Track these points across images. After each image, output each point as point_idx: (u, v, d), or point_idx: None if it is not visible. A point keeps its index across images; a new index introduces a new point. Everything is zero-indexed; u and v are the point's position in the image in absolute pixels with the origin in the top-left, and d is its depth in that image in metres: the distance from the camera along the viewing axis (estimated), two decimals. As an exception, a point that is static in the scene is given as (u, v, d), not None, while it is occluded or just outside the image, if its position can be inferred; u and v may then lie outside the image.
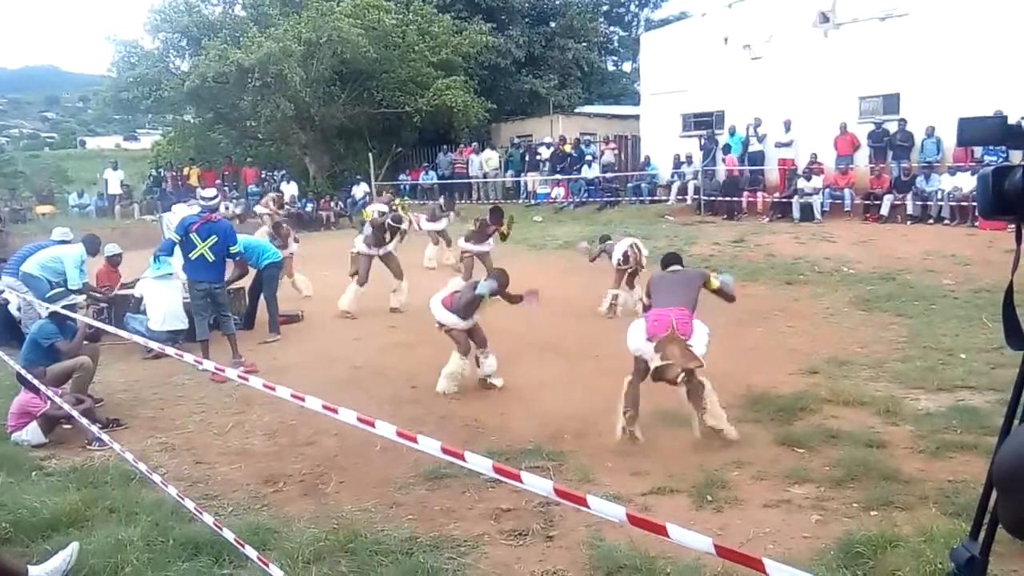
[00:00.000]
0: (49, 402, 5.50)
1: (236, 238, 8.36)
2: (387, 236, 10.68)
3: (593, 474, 4.92)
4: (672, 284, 5.72)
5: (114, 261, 9.97)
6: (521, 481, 1.93)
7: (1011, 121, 1.25)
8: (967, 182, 14.37)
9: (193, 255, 7.91)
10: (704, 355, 5.21)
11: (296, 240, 12.25)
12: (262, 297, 9.71)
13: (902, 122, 16.39)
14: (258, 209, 19.25)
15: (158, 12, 24.99)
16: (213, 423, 6.25)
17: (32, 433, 5.62)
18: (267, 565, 2.94)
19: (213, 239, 7.90)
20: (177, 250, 8.16)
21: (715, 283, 5.73)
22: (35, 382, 5.44)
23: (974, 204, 12.69)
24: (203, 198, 8.43)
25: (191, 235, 7.89)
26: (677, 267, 6.04)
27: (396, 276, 10.68)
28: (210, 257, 7.91)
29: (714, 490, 4.53)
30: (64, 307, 6.86)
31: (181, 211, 11.00)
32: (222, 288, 8.21)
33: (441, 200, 15.62)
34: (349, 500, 4.62)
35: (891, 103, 17.12)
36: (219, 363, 7.00)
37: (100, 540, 3.82)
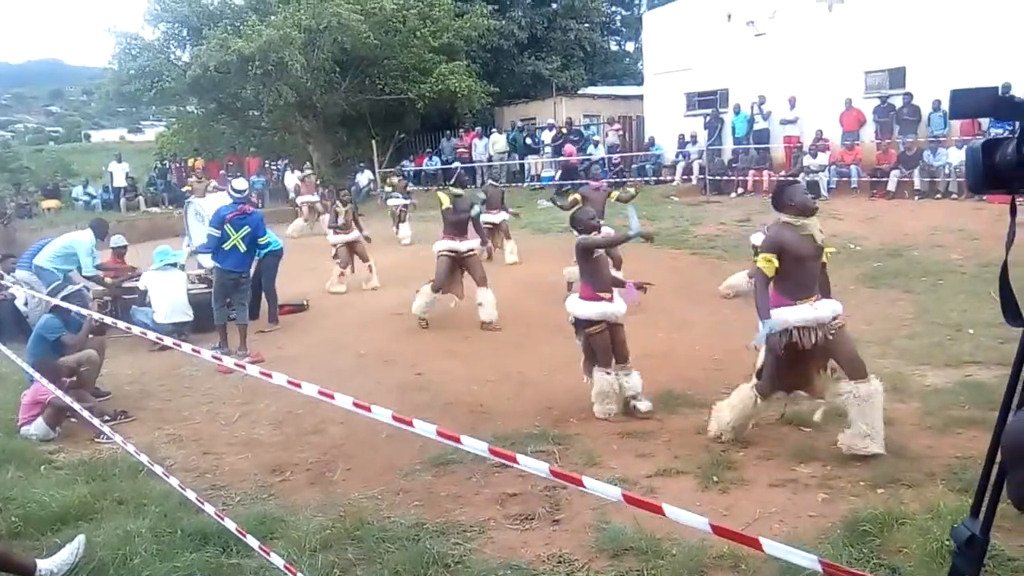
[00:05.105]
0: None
1: (265, 228, 8.66)
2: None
3: (599, 457, 4.92)
4: None
5: (120, 253, 10.03)
6: (518, 463, 1.92)
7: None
8: (975, 156, 14.23)
9: (227, 246, 8.09)
10: None
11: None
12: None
13: (908, 96, 16.22)
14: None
15: (158, 2, 24.89)
16: (220, 413, 6.28)
17: (39, 428, 5.65)
18: (268, 554, 2.95)
19: (246, 230, 8.14)
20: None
21: None
22: (39, 378, 5.44)
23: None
24: (235, 190, 8.51)
25: (225, 226, 8.07)
26: None
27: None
28: (242, 247, 8.15)
29: (720, 470, 4.53)
30: (72, 295, 6.73)
31: (213, 200, 11.00)
32: (247, 277, 8.45)
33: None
34: (356, 488, 4.64)
35: (897, 77, 16.92)
36: (226, 352, 7.05)
37: (109, 532, 3.84)
